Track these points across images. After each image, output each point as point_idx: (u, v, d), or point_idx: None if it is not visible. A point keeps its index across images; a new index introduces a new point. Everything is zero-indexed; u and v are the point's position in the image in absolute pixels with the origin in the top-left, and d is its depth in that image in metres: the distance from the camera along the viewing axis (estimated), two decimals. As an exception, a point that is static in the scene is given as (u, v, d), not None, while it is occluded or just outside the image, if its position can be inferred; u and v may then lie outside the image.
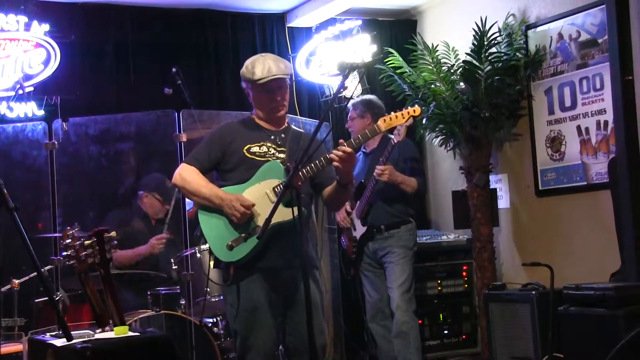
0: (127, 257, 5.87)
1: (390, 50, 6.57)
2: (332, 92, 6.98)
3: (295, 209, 3.74)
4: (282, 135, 4.26)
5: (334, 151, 3.96)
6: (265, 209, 3.88)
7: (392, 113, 4.28)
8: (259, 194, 4.06)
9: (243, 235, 4.01)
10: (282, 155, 4.18)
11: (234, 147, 4.18)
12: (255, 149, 4.18)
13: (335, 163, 3.97)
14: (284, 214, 3.85)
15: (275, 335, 4.15)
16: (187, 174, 4.19)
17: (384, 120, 4.24)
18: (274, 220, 3.85)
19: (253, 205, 4.02)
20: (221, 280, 4.25)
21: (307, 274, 3.68)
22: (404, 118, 4.29)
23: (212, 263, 4.32)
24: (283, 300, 4.15)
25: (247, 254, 4.03)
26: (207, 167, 4.23)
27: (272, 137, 4.23)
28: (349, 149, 3.95)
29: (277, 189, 4.04)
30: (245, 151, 4.16)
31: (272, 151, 4.19)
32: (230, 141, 4.20)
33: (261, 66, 4.12)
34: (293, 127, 4.40)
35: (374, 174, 5.72)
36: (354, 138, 4.12)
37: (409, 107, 4.38)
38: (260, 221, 3.96)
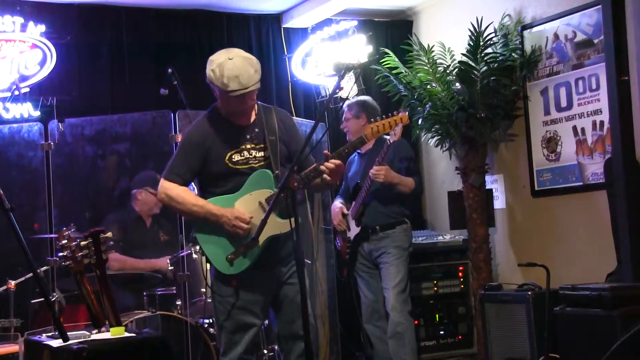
0: (137, 267, 5.87)
1: (386, 50, 6.58)
2: (327, 93, 6.97)
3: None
4: (256, 129, 4.15)
5: (326, 164, 3.97)
6: (261, 219, 3.91)
7: (380, 120, 4.30)
8: (252, 205, 4.04)
9: (241, 248, 4.03)
10: (261, 154, 4.12)
11: (213, 157, 4.09)
12: (236, 157, 4.09)
13: (325, 176, 4.01)
14: (281, 227, 3.89)
15: (259, 331, 4.28)
16: (173, 193, 4.09)
17: (372, 128, 4.27)
18: (271, 233, 3.98)
19: (251, 217, 4.00)
20: (217, 289, 4.20)
21: (302, 271, 3.74)
22: (390, 127, 4.33)
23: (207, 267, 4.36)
24: (274, 297, 4.21)
25: (247, 267, 4.05)
26: (188, 179, 4.15)
27: (247, 135, 4.13)
28: (338, 162, 4.01)
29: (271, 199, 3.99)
30: (227, 162, 4.08)
31: (253, 153, 4.11)
32: (207, 148, 4.09)
33: (231, 74, 3.95)
34: (259, 106, 4.23)
35: (370, 174, 5.72)
36: (343, 148, 4.17)
37: (396, 115, 4.38)
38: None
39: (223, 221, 4.01)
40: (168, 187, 4.10)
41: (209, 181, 4.16)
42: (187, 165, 4.11)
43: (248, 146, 4.12)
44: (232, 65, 3.97)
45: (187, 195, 4.10)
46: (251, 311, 4.11)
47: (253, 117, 4.19)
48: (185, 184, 4.14)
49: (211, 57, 4.07)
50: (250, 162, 4.11)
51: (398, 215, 5.92)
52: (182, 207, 4.11)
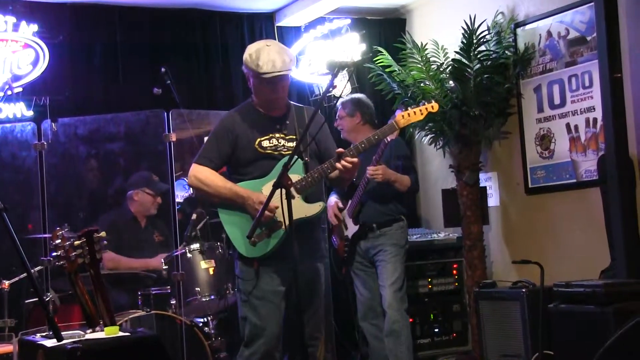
0: (131, 267, 5.86)
1: (380, 49, 6.57)
2: (321, 91, 6.97)
3: (319, 204, 4.11)
4: (287, 121, 4.28)
5: (344, 163, 4.05)
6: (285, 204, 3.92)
7: (410, 109, 4.35)
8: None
9: (265, 231, 4.08)
10: (291, 144, 4.23)
11: (243, 143, 4.21)
12: (265, 142, 4.21)
13: (342, 174, 4.11)
14: (307, 210, 4.03)
15: (282, 325, 4.24)
16: (202, 175, 4.22)
17: (402, 116, 4.33)
18: (297, 216, 3.94)
19: (277, 207, 3.99)
20: (241, 273, 4.26)
21: (297, 270, 3.74)
22: (422, 114, 4.39)
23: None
24: (293, 291, 4.19)
25: (270, 249, 4.12)
26: (219, 164, 4.26)
27: (277, 125, 4.26)
28: (355, 160, 4.08)
29: (298, 185, 4.09)
30: (257, 147, 4.20)
31: (282, 142, 4.23)
32: (237, 135, 4.22)
33: (266, 58, 4.10)
34: (292, 104, 4.41)
35: (366, 174, 5.71)
36: (372, 135, 4.26)
37: (426, 103, 4.44)
38: (281, 217, 4.01)
39: (248, 204, 4.11)
40: (198, 170, 4.24)
41: (238, 168, 4.27)
42: (217, 150, 4.25)
43: (277, 135, 4.24)
44: (269, 51, 4.13)
45: (215, 177, 4.22)
46: (271, 302, 4.16)
47: (284, 111, 4.32)
48: (216, 168, 4.25)
49: (249, 45, 4.24)
50: (279, 149, 4.23)
51: (394, 213, 5.92)
52: (209, 189, 4.21)
